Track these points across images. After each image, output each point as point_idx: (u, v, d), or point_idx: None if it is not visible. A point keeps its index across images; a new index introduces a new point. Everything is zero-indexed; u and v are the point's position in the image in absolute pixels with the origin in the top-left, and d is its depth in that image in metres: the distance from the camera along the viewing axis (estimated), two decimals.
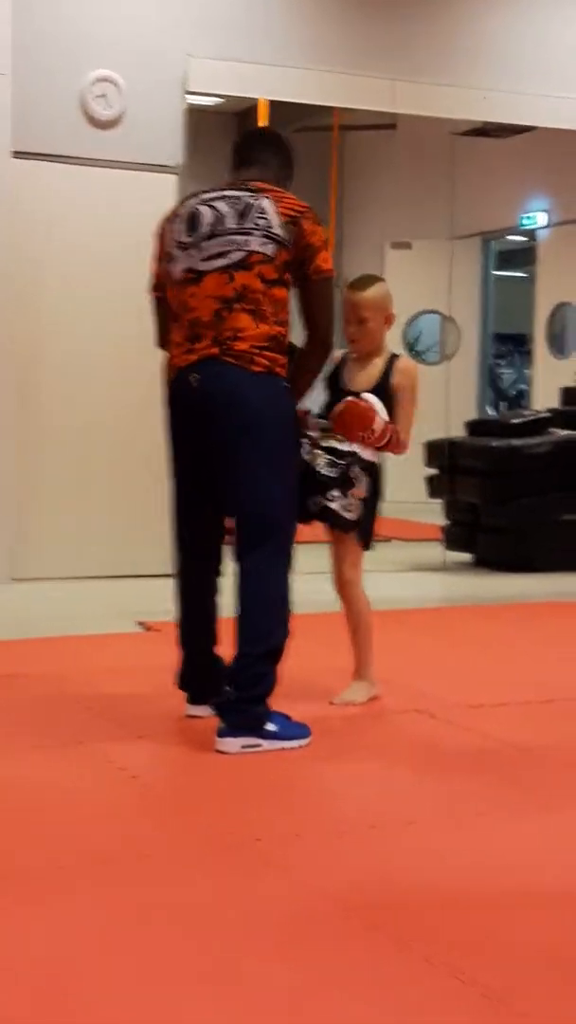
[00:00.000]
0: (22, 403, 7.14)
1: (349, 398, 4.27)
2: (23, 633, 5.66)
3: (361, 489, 4.31)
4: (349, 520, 4.32)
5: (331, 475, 4.28)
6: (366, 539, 4.42)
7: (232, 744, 3.80)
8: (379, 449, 4.31)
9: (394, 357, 4.41)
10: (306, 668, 4.52)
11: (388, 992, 2.31)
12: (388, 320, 4.41)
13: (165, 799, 3.49)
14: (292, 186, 4.09)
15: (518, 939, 2.54)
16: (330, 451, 4.30)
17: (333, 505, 4.29)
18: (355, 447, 4.29)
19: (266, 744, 3.82)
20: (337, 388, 4.35)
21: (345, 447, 4.30)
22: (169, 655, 4.26)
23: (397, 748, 3.96)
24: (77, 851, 3.00)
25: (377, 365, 4.37)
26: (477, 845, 3.10)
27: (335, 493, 4.29)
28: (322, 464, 4.29)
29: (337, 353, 4.32)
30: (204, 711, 4.08)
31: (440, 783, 3.59)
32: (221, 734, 3.82)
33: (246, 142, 4.21)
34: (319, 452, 4.29)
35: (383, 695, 4.46)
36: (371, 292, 4.36)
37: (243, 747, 3.80)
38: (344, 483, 4.29)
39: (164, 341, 4.14)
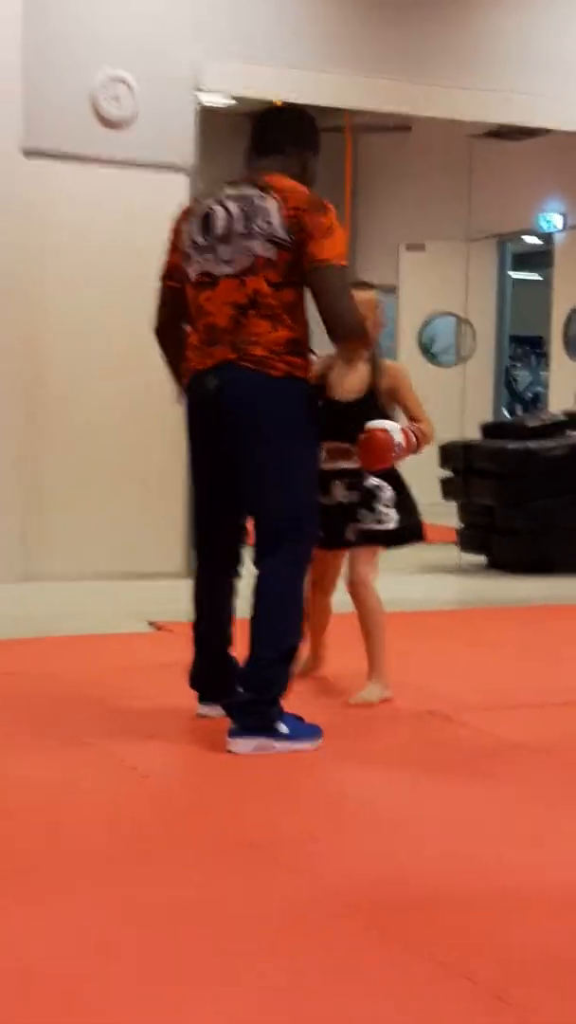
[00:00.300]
0: (31, 402, 7.12)
1: (362, 436, 4.20)
2: (33, 632, 5.63)
3: (386, 495, 4.30)
4: (391, 530, 4.33)
5: (352, 500, 4.29)
6: (415, 532, 4.42)
7: (243, 745, 3.76)
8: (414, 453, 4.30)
9: (376, 359, 4.38)
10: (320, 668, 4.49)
11: (393, 991, 2.28)
12: (376, 326, 4.36)
13: (175, 799, 3.45)
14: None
15: (523, 939, 2.51)
16: (341, 475, 4.29)
17: (366, 525, 4.31)
18: None
19: (278, 746, 3.78)
20: (325, 396, 4.25)
21: (352, 464, 4.28)
22: (180, 655, 4.22)
23: (410, 750, 3.92)
24: (84, 850, 2.97)
25: (362, 369, 4.34)
26: (488, 846, 3.06)
27: (364, 513, 4.29)
28: (341, 493, 4.29)
29: (314, 360, 4.11)
30: (215, 711, 4.03)
31: (453, 785, 3.55)
32: (232, 735, 3.78)
33: (265, 126, 4.07)
34: (335, 482, 4.27)
35: (397, 697, 4.42)
36: (361, 296, 4.30)
37: (254, 748, 3.76)
38: (367, 499, 4.28)
39: (162, 329, 4.11)
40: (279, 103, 8.03)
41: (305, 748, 3.81)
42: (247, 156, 4.03)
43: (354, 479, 4.32)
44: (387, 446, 4.15)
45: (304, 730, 3.87)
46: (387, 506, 4.31)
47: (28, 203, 6.98)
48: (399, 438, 4.17)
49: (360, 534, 4.33)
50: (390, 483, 4.35)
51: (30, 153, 6.98)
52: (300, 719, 3.90)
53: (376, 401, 4.32)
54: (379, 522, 4.30)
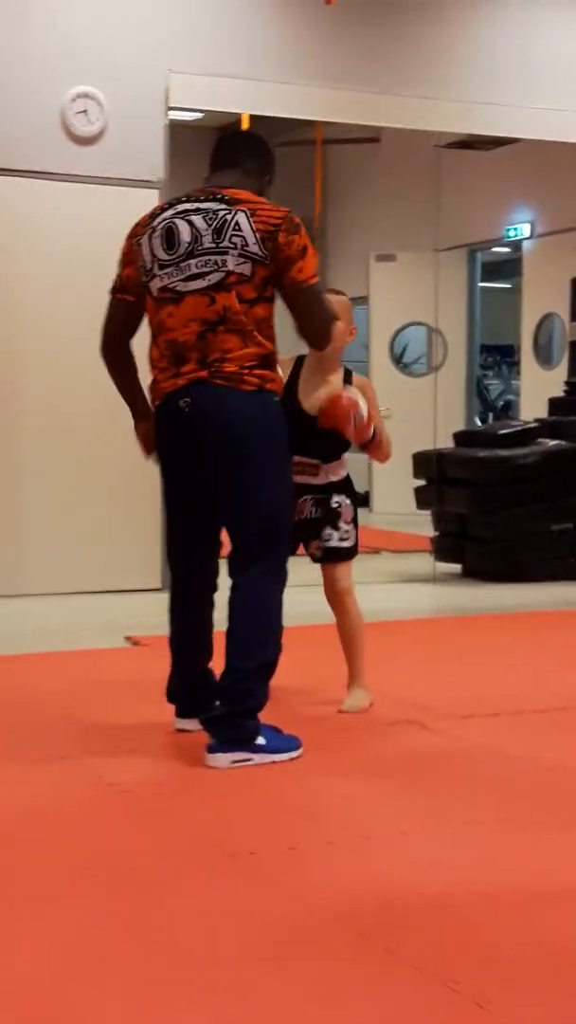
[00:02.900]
0: (5, 416, 7.13)
1: (332, 395, 4.23)
2: (10, 649, 5.63)
3: (348, 512, 4.35)
4: (350, 548, 4.38)
5: (319, 515, 4.33)
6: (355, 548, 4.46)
7: (222, 759, 3.77)
8: (364, 448, 4.32)
9: (348, 374, 4.40)
10: (297, 680, 4.51)
11: (379, 1001, 2.29)
12: (350, 333, 4.37)
13: (156, 814, 3.45)
14: (274, 197, 4.05)
15: (509, 947, 2.52)
16: (309, 490, 4.31)
17: (331, 544, 4.35)
18: (329, 476, 4.33)
19: (257, 758, 3.79)
20: (294, 405, 4.21)
21: (319, 480, 4.32)
22: (158, 670, 4.23)
23: (389, 759, 3.93)
24: (65, 865, 2.97)
25: (333, 383, 4.33)
26: (469, 855, 3.08)
27: (329, 531, 4.34)
28: (308, 508, 4.33)
29: (285, 357, 4.15)
30: (193, 725, 4.04)
31: (432, 794, 3.57)
32: (211, 750, 3.79)
33: (225, 144, 4.11)
34: (304, 497, 4.32)
35: (374, 706, 4.44)
36: (336, 300, 4.30)
37: (233, 762, 3.77)
38: (332, 517, 4.32)
39: (109, 343, 4.15)
40: (245, 128, 8.08)
41: (284, 759, 3.83)
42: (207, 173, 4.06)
43: (320, 496, 4.35)
44: (351, 408, 4.16)
45: (283, 742, 3.88)
46: (347, 523, 4.37)
47: None
48: (363, 411, 4.20)
49: (326, 552, 4.36)
50: (347, 497, 4.40)
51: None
52: (279, 730, 3.92)
53: None
54: (343, 540, 4.36)
